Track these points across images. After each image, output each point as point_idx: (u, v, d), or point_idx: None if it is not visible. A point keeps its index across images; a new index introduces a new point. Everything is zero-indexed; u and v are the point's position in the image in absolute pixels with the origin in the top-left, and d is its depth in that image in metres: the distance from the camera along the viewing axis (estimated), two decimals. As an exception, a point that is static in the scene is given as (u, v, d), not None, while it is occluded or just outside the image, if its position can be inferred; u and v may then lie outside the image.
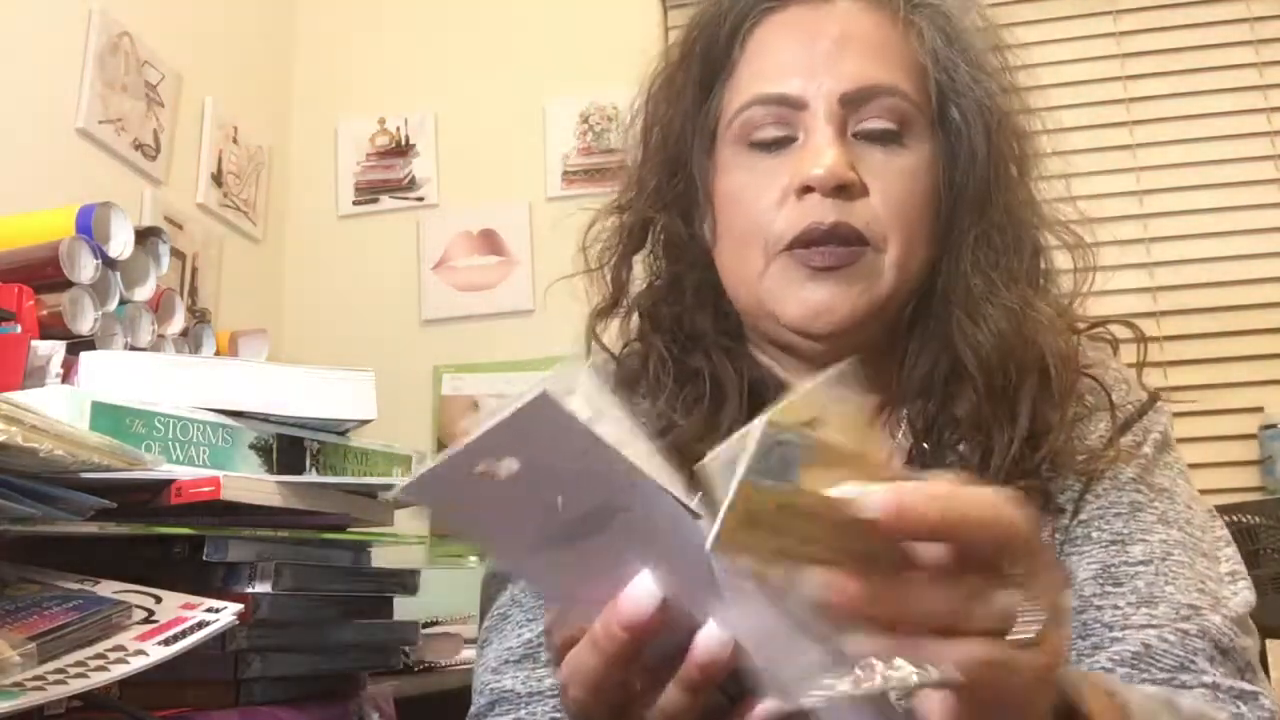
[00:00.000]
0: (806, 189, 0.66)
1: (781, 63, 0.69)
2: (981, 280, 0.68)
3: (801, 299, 0.67)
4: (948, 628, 0.38)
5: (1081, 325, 0.74)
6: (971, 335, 0.68)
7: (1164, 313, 1.97)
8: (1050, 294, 0.72)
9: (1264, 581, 1.53)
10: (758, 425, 0.35)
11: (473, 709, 0.70)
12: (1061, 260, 0.73)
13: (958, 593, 0.38)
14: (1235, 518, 1.56)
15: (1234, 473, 1.90)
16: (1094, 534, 0.67)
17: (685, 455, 0.68)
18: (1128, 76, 2.10)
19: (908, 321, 0.71)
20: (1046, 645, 0.40)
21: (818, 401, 0.37)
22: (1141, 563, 0.65)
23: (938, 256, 0.70)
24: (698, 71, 0.73)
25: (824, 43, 0.68)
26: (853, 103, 0.67)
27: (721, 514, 0.35)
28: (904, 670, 0.37)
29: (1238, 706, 0.59)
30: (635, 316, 0.77)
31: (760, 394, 0.71)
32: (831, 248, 0.66)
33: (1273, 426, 1.88)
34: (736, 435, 0.37)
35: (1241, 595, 0.67)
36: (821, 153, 0.65)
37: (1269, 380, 1.95)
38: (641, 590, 0.41)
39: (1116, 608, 0.63)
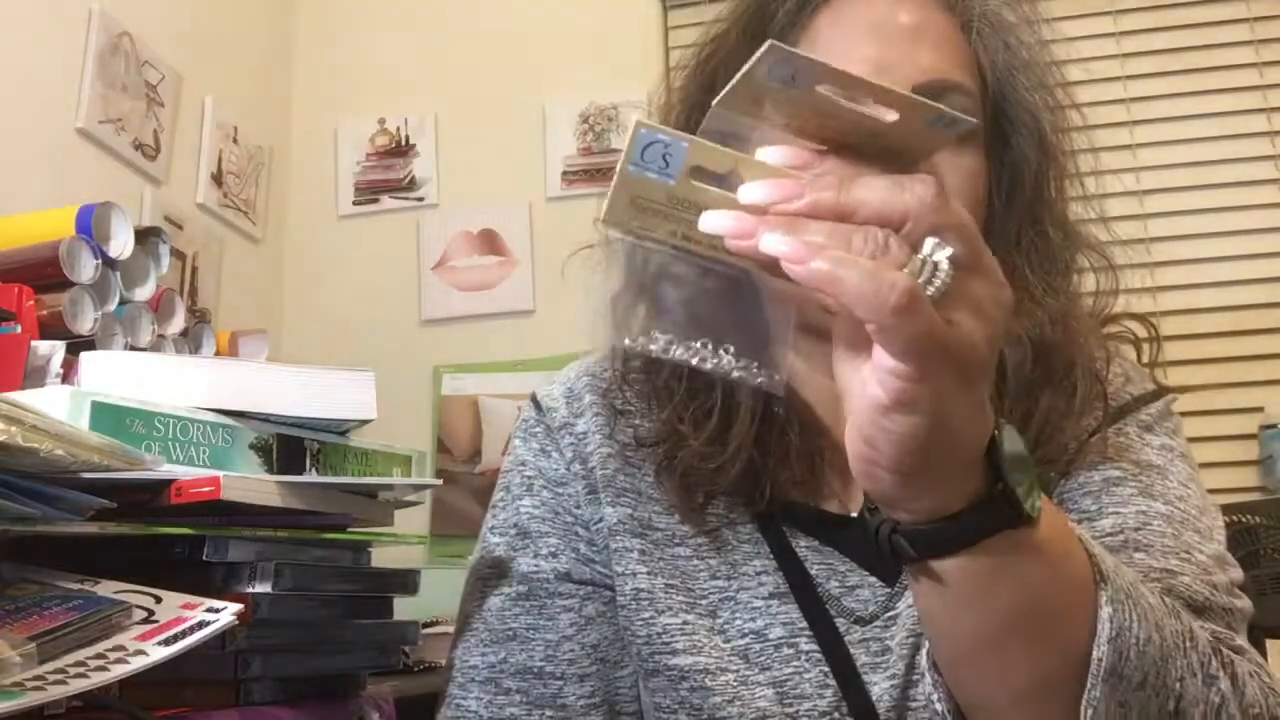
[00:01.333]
0: None
1: (854, 45, 0.66)
2: (1037, 281, 0.68)
3: None
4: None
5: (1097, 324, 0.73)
6: (1015, 335, 0.66)
7: (1164, 313, 1.97)
8: (1080, 307, 0.72)
9: (1264, 581, 1.52)
10: (637, 124, 0.41)
11: (439, 715, 0.72)
12: (1089, 282, 0.73)
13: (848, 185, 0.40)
14: (1235, 518, 1.56)
15: (1234, 473, 1.90)
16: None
17: (690, 472, 0.69)
18: (1128, 76, 2.10)
19: None
20: (964, 308, 0.41)
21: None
22: (1110, 534, 0.64)
23: None
24: (751, 46, 0.70)
25: (899, 31, 0.66)
26: (926, 95, 0.65)
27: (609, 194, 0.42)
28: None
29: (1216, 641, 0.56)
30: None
31: (772, 411, 0.69)
32: None
33: (1273, 426, 1.88)
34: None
35: (1231, 574, 0.65)
36: None
37: (1269, 380, 1.95)
38: None
39: None
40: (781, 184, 0.41)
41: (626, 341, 0.45)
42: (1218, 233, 2.02)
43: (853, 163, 0.44)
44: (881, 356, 0.40)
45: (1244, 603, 0.64)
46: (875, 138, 0.44)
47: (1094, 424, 0.69)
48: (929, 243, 0.40)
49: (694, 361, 0.44)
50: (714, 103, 0.43)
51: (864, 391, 0.42)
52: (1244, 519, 1.57)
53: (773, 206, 0.41)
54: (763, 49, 0.41)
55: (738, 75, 0.42)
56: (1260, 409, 1.93)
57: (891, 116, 0.43)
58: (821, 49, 0.68)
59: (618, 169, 0.41)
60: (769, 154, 0.43)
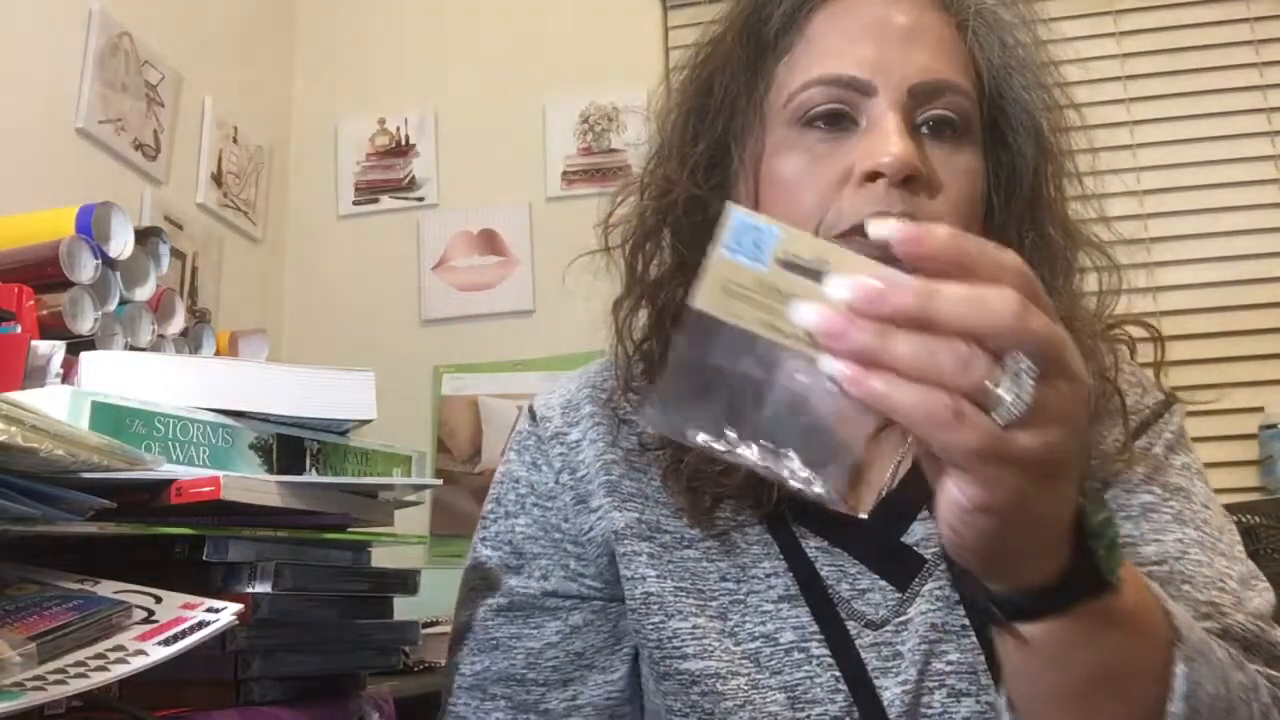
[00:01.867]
0: (874, 175, 0.63)
1: (850, 46, 0.67)
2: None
3: None
4: (920, 371, 0.40)
5: (1099, 326, 0.73)
6: None
7: (1164, 313, 1.97)
8: (1085, 307, 0.71)
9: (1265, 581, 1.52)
10: (731, 209, 0.42)
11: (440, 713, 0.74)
12: (1090, 280, 0.73)
13: (932, 344, 0.40)
14: (1235, 518, 1.55)
15: (1234, 473, 1.90)
16: None
17: (696, 475, 0.69)
18: (1128, 76, 2.10)
19: None
20: (1041, 420, 0.41)
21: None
22: (1155, 563, 0.65)
23: None
24: (750, 47, 0.71)
25: (895, 31, 0.66)
26: (921, 95, 0.65)
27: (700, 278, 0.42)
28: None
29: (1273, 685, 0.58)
30: (650, 311, 0.74)
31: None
32: None
33: (1273, 426, 1.88)
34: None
35: (1264, 595, 0.66)
36: (890, 139, 0.63)
37: (1269, 380, 1.95)
38: None
39: None
40: (867, 287, 0.41)
41: (696, 437, 0.44)
42: (1218, 233, 2.02)
43: None
44: (953, 469, 0.42)
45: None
46: None
47: (1115, 433, 0.69)
48: (1011, 360, 0.41)
49: (760, 463, 0.44)
50: (691, 300, 0.43)
51: (945, 489, 0.43)
52: (1244, 519, 1.57)
53: (858, 307, 0.41)
54: (723, 218, 0.42)
55: (706, 258, 0.43)
56: (1260, 409, 1.93)
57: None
58: (818, 50, 0.68)
59: (710, 252, 0.42)
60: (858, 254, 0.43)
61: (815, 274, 0.42)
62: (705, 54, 0.74)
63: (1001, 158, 0.70)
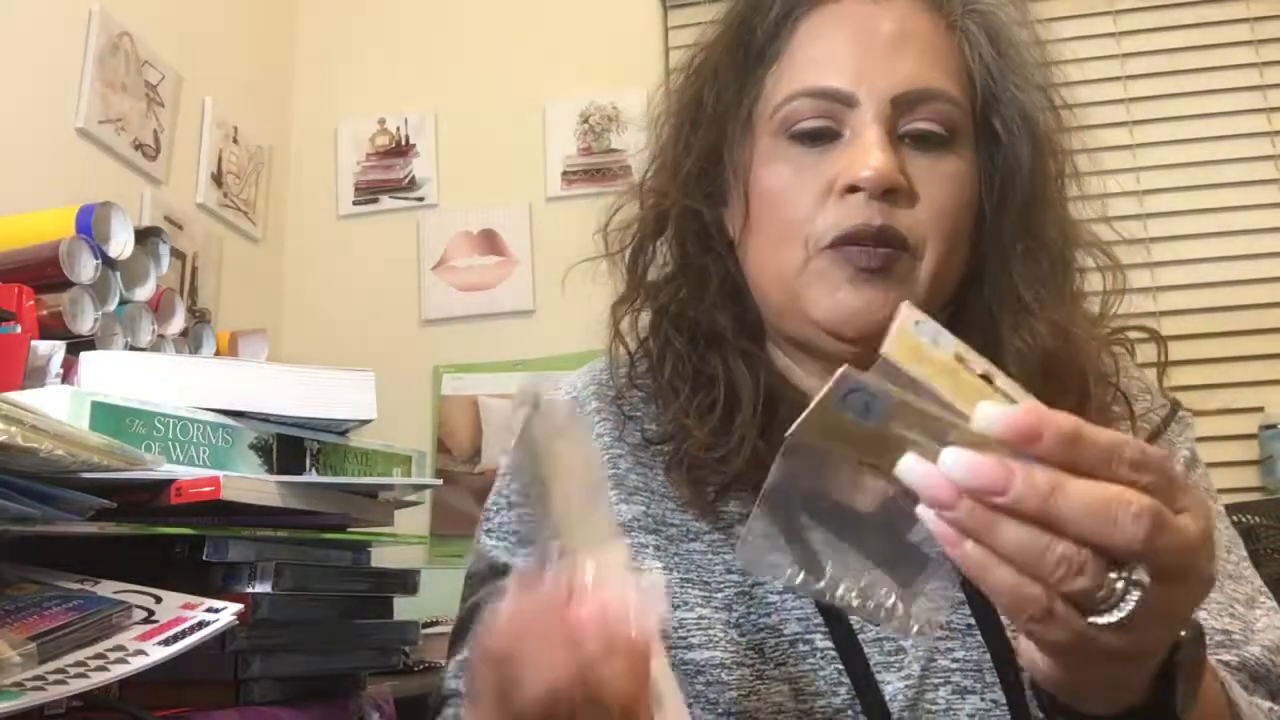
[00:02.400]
0: (853, 188, 0.64)
1: (833, 56, 0.67)
2: (1031, 295, 0.67)
3: (838, 300, 0.66)
4: (1028, 568, 0.39)
5: (1102, 329, 0.73)
6: (1017, 349, 0.66)
7: (1164, 313, 1.96)
8: (1084, 310, 0.71)
9: (1263, 581, 1.52)
10: (845, 372, 0.41)
11: (430, 700, 0.73)
12: (1092, 279, 0.73)
13: (1044, 543, 0.39)
14: (1235, 518, 1.56)
15: (1234, 473, 1.90)
16: None
17: (696, 464, 0.69)
18: (1128, 76, 2.10)
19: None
20: (1143, 625, 0.39)
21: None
22: None
23: (974, 267, 0.69)
24: (739, 56, 0.71)
25: (879, 40, 0.66)
26: (904, 104, 0.66)
27: (803, 416, 0.41)
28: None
29: None
30: (651, 311, 0.75)
31: (775, 402, 0.70)
32: (874, 249, 0.64)
33: (1273, 426, 1.88)
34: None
35: (1270, 616, 0.67)
36: (870, 153, 0.64)
37: (1269, 380, 1.95)
38: None
39: None
40: (989, 471, 0.39)
41: (793, 578, 0.44)
42: (1218, 233, 2.02)
43: None
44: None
45: None
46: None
47: None
48: (1128, 569, 0.39)
49: (853, 603, 0.44)
50: (788, 434, 0.42)
51: (1027, 650, 0.44)
52: (1244, 519, 1.57)
53: (971, 489, 0.39)
54: (835, 377, 0.41)
55: (812, 403, 0.41)
56: (1260, 409, 1.93)
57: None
58: (803, 60, 0.68)
59: (818, 400, 0.41)
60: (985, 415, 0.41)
61: (929, 436, 0.41)
62: (698, 62, 0.75)
63: (996, 158, 0.70)
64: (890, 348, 0.42)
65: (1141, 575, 0.39)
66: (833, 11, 0.69)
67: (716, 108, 0.72)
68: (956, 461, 0.39)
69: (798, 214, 0.66)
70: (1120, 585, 0.38)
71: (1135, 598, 0.38)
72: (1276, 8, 2.07)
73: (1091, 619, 0.39)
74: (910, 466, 0.40)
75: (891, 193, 0.64)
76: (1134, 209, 2.02)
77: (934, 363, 0.41)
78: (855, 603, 0.43)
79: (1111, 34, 2.11)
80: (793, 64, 0.69)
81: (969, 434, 0.40)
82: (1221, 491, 0.73)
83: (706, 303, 0.72)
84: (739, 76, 0.71)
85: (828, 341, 0.68)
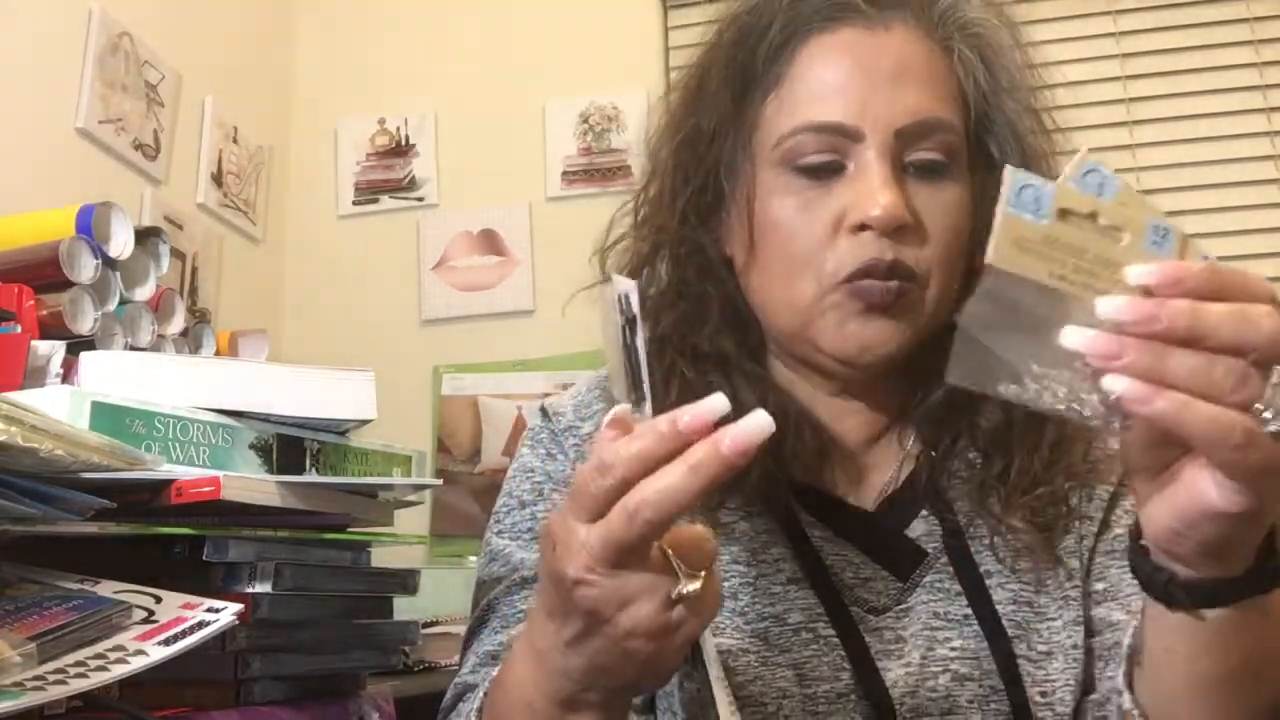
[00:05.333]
0: (863, 227, 0.66)
1: (836, 89, 0.68)
2: None
3: (852, 333, 0.67)
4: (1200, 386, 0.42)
5: None
6: None
7: (1164, 313, 1.97)
8: None
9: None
10: (1009, 170, 0.46)
11: (444, 701, 0.73)
12: None
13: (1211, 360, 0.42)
14: (1235, 518, 1.56)
15: (1234, 473, 1.90)
16: None
17: None
18: (1128, 76, 2.10)
19: (929, 346, 0.71)
20: None
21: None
22: None
23: (967, 287, 0.70)
24: (736, 83, 0.72)
25: (880, 72, 0.67)
26: (908, 136, 0.67)
27: (994, 235, 0.46)
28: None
29: None
30: (653, 335, 0.74)
31: (780, 419, 0.70)
32: (890, 284, 0.66)
33: (1273, 426, 1.88)
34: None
35: None
36: (878, 191, 0.65)
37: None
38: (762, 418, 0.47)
39: None
40: (1139, 306, 0.43)
41: (1005, 389, 0.47)
42: (1218, 233, 2.02)
43: None
44: (1220, 475, 0.44)
45: None
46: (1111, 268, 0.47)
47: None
48: (1278, 372, 0.43)
49: (1063, 407, 0.46)
50: (988, 260, 0.46)
51: (1194, 489, 0.45)
52: (1244, 519, 1.57)
53: (1131, 326, 0.43)
54: (1076, 159, 0.46)
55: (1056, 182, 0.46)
56: (1260, 409, 1.93)
57: (1126, 239, 0.46)
58: (804, 93, 0.69)
59: (999, 211, 0.46)
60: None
61: (1092, 221, 0.46)
62: (694, 84, 0.75)
63: (989, 180, 0.70)
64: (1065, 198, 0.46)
65: None
66: (831, 43, 0.69)
67: (716, 133, 0.72)
68: (1110, 307, 0.44)
69: (807, 248, 0.67)
70: (1276, 390, 0.43)
71: None
72: (1276, 8, 2.07)
73: (1269, 428, 0.43)
74: (1071, 335, 0.44)
75: (901, 229, 0.65)
76: (1134, 209, 2.02)
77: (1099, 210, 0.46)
78: (1063, 406, 0.46)
79: (1111, 34, 2.11)
80: (793, 94, 0.69)
81: (1118, 212, 0.46)
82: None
83: (710, 327, 0.73)
84: (736, 102, 0.72)
85: (835, 367, 0.70)
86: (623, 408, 0.50)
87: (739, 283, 0.74)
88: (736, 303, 0.74)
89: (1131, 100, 2.08)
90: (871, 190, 0.65)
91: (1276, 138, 2.03)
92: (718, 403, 0.47)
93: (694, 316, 0.74)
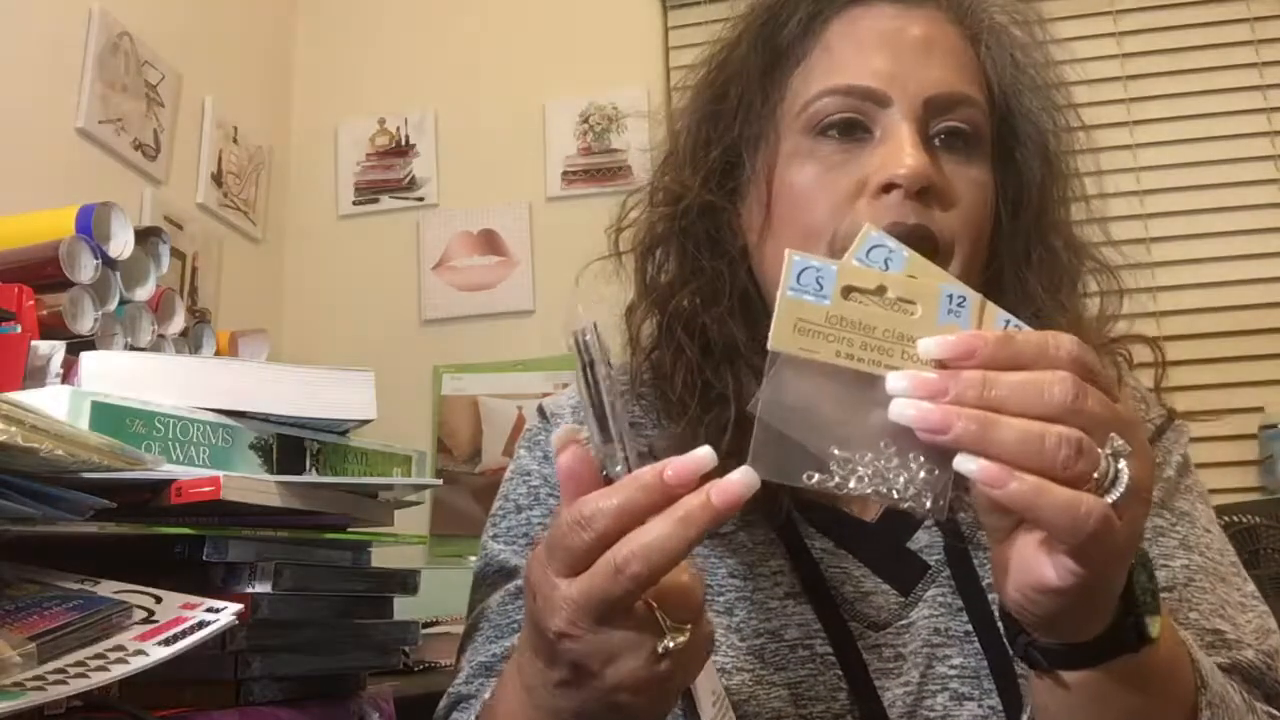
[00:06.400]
0: (890, 186, 0.63)
1: (866, 56, 0.67)
2: (1048, 299, 0.68)
3: None
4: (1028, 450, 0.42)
5: (1099, 343, 0.73)
6: None
7: (1164, 313, 1.97)
8: (1089, 320, 0.72)
9: (1264, 581, 1.52)
10: (789, 254, 0.46)
11: (437, 709, 0.73)
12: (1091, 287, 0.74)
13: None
14: (1235, 518, 1.56)
15: (1234, 473, 1.90)
16: None
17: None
18: (1128, 76, 2.10)
19: None
20: (1135, 498, 0.43)
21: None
22: (1163, 589, 0.65)
23: (988, 275, 0.69)
24: (764, 55, 0.71)
25: (910, 44, 0.66)
26: (936, 107, 0.65)
27: (774, 321, 0.45)
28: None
29: None
30: (662, 316, 0.73)
31: None
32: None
33: (1273, 426, 1.88)
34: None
35: (1263, 619, 0.67)
36: (906, 152, 0.63)
37: (1269, 380, 1.95)
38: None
39: None
40: (925, 382, 0.44)
41: (809, 479, 0.46)
42: (1218, 233, 2.02)
43: None
44: (1059, 553, 0.44)
45: None
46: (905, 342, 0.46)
47: None
48: (1111, 444, 0.43)
49: (869, 491, 0.46)
50: (769, 346, 0.46)
51: (1030, 568, 0.46)
52: (1244, 519, 1.57)
53: (951, 361, 0.44)
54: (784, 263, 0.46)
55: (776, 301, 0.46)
56: (1260, 409, 1.93)
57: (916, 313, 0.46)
58: (834, 60, 0.68)
59: (779, 295, 0.45)
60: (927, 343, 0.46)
61: (878, 295, 0.45)
62: (719, 59, 0.74)
63: (1008, 173, 0.70)
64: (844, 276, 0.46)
65: (1120, 446, 0.43)
66: (861, 15, 0.69)
67: (740, 105, 0.71)
68: (899, 382, 0.44)
69: (824, 213, 0.65)
70: (1110, 457, 0.43)
71: (1125, 473, 0.43)
72: (1276, 8, 2.07)
73: (1108, 498, 0.43)
74: (896, 380, 0.44)
75: (926, 192, 0.64)
76: (1134, 209, 2.03)
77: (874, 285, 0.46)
78: (871, 490, 0.46)
79: (1111, 34, 2.12)
80: (823, 63, 0.68)
81: (905, 284, 0.46)
82: (1222, 491, 0.73)
83: (720, 309, 0.71)
84: (764, 74, 0.70)
85: None
86: (569, 427, 0.49)
87: (752, 268, 0.72)
88: (748, 290, 0.72)
89: (1131, 100, 2.08)
90: (899, 149, 0.63)
91: (1276, 138, 2.03)
92: (704, 455, 0.46)
93: (706, 296, 0.72)
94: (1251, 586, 0.69)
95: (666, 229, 0.74)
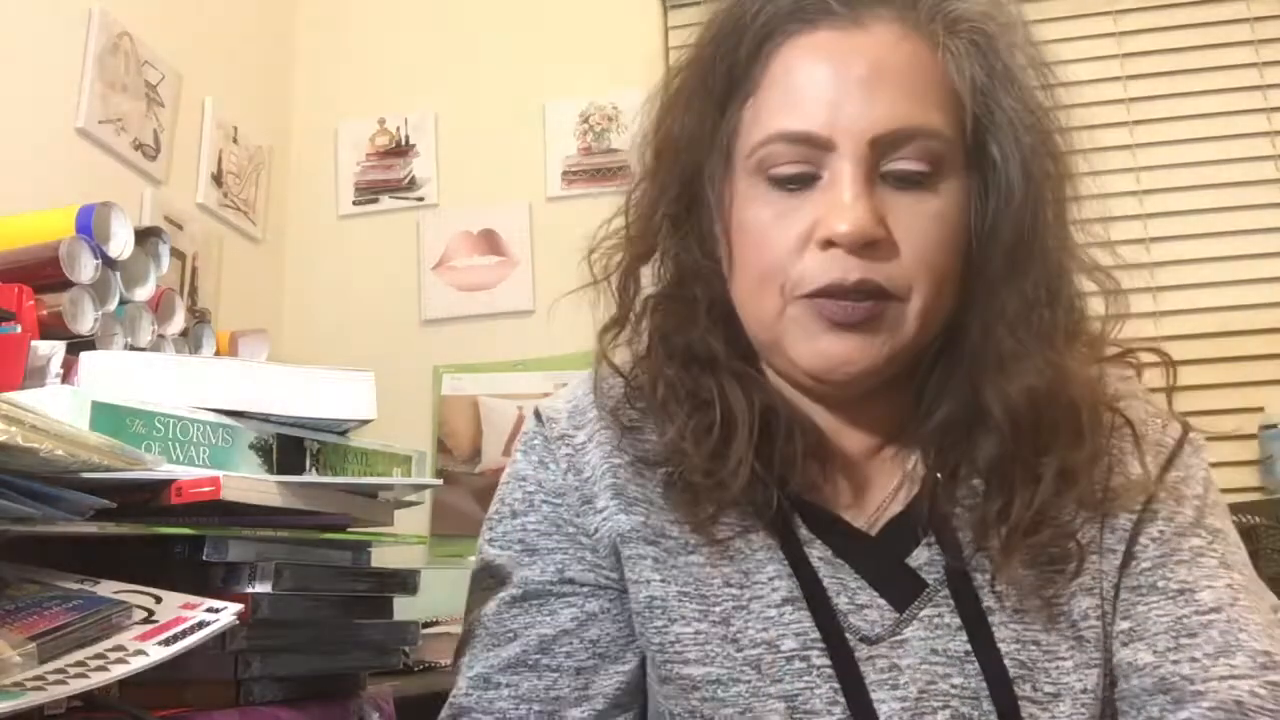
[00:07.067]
0: (830, 243, 0.63)
1: (809, 96, 0.64)
2: (1013, 340, 0.66)
3: (820, 350, 0.65)
4: None
5: (1109, 353, 0.71)
6: (1001, 391, 0.65)
7: (1164, 313, 1.97)
8: (1083, 337, 0.69)
9: (1264, 582, 1.52)
10: None
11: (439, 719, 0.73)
12: (1092, 295, 0.71)
13: None
14: (1235, 518, 1.55)
15: (1234, 473, 1.90)
16: (1159, 583, 0.67)
17: (693, 487, 0.69)
18: (1128, 76, 2.10)
19: (929, 362, 0.69)
20: None
21: None
22: (1212, 610, 0.65)
23: (965, 299, 0.68)
24: (714, 86, 0.69)
25: (855, 77, 0.63)
26: (883, 145, 0.63)
27: None
28: None
29: None
30: (644, 335, 0.74)
31: (771, 423, 0.69)
32: (853, 304, 0.63)
33: (1273, 426, 1.88)
34: None
35: None
36: (846, 205, 0.62)
37: (1269, 380, 1.95)
38: None
39: (1194, 660, 0.63)
40: None
41: None
42: (1218, 233, 2.02)
43: None
44: None
45: None
46: None
47: (1134, 467, 0.68)
48: None
49: None
50: None
51: None
52: (1244, 519, 1.57)
53: None
54: None
55: None
56: (1260, 409, 1.93)
57: None
58: (779, 100, 0.66)
59: None
60: None
61: None
62: (675, 88, 0.73)
63: (990, 180, 0.67)
64: None
65: None
66: (808, 44, 0.66)
67: (693, 140, 0.70)
68: None
69: (776, 259, 0.65)
70: None
71: None
72: (1276, 8, 2.07)
73: None
74: None
75: (871, 245, 0.63)
76: (1134, 209, 2.03)
77: None
78: None
79: (1111, 34, 2.12)
80: (769, 102, 0.66)
81: None
82: (1221, 492, 0.73)
83: (699, 328, 0.71)
84: (714, 109, 0.69)
85: (810, 382, 0.68)
86: None
87: (727, 285, 0.71)
88: (726, 303, 0.71)
89: (1131, 100, 2.08)
90: (840, 204, 0.62)
91: (1276, 138, 2.03)
92: None
93: (683, 317, 0.72)
94: (1272, 597, 0.69)
95: (636, 259, 0.75)
